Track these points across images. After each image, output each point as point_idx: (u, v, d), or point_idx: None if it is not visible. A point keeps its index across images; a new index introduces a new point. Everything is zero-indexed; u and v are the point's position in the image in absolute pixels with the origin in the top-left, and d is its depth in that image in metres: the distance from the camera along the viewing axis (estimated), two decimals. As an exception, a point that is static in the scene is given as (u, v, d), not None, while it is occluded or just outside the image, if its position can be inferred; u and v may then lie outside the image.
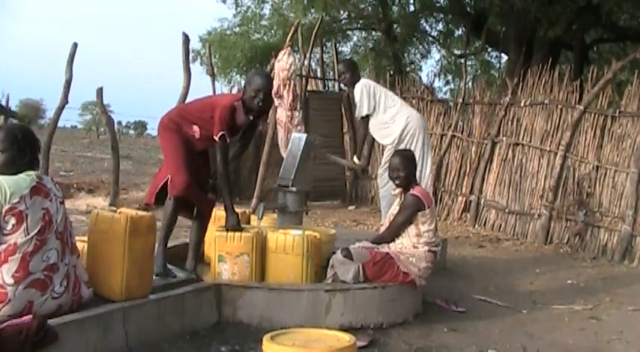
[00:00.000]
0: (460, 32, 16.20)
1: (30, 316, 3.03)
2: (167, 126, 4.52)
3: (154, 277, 3.97)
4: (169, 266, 4.33)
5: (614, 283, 6.24)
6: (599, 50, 16.32)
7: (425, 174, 6.13)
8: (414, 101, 10.02)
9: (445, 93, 17.83)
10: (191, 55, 11.15)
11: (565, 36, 12.51)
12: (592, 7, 11.40)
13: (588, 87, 8.15)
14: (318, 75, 11.27)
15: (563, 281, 6.24)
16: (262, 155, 9.35)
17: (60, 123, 11.43)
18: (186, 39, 9.36)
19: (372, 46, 17.40)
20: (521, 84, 8.99)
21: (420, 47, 17.92)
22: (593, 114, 7.97)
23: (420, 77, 14.60)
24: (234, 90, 12.02)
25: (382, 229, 4.86)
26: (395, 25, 15.71)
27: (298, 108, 7.93)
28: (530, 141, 8.62)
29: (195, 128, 4.45)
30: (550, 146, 8.34)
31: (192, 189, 4.36)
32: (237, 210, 4.58)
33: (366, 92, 6.17)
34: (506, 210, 8.68)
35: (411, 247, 4.52)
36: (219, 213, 4.72)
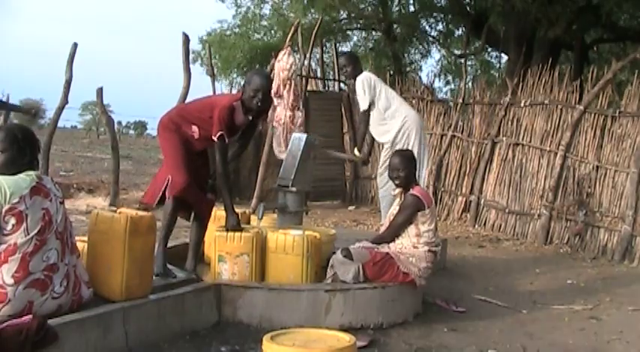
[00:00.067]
0: (460, 32, 16.20)
1: (30, 316, 3.03)
2: (166, 126, 4.52)
3: (153, 277, 3.97)
4: (169, 266, 4.34)
5: (614, 283, 6.24)
6: (599, 50, 16.31)
7: (421, 174, 6.12)
8: (414, 101, 10.01)
9: (445, 93, 17.85)
10: (191, 56, 11.16)
11: (565, 36, 12.51)
12: (592, 7, 11.40)
13: (588, 87, 8.15)
14: (318, 75, 11.27)
15: (563, 281, 6.24)
16: (262, 155, 9.35)
17: (60, 123, 11.42)
18: (186, 39, 9.36)
19: (372, 46, 17.40)
20: (521, 84, 8.99)
21: (420, 47, 17.92)
22: (593, 114, 7.96)
23: (420, 77, 14.62)
24: (235, 91, 12.01)
25: (382, 229, 4.86)
26: (395, 25, 15.71)
27: (299, 107, 7.94)
28: (530, 141, 8.62)
29: (195, 128, 4.45)
30: (550, 146, 8.34)
31: (191, 189, 4.36)
32: (237, 210, 4.58)
33: (367, 84, 6.19)
34: (506, 210, 8.68)
35: (411, 247, 4.52)
36: (219, 213, 4.72)
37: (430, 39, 17.51)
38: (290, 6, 15.37)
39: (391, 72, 12.96)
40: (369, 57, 16.03)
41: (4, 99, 11.35)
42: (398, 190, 4.76)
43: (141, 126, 70.21)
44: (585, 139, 8.00)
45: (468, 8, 14.15)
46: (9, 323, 2.98)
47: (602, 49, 16.47)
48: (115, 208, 6.86)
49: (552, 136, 8.36)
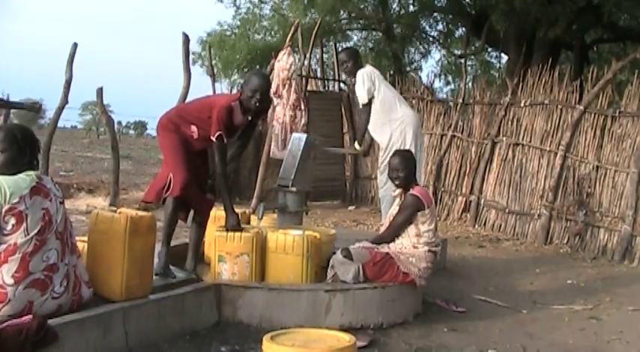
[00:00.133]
0: (460, 32, 16.19)
1: (30, 316, 3.03)
2: (165, 126, 4.53)
3: (154, 276, 3.97)
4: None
5: (614, 283, 6.24)
6: (599, 50, 16.31)
7: (418, 174, 6.10)
8: (414, 101, 10.02)
9: (446, 93, 17.84)
10: (191, 57, 11.15)
11: (565, 36, 12.51)
12: (592, 7, 11.40)
13: (588, 87, 8.15)
14: (318, 75, 11.27)
15: (563, 281, 6.24)
16: (262, 155, 9.34)
17: (60, 123, 11.43)
18: (186, 39, 9.36)
19: (372, 46, 17.40)
20: (521, 84, 8.99)
21: (420, 47, 17.92)
22: (593, 114, 7.96)
23: (420, 77, 14.62)
24: (234, 92, 12.01)
25: (382, 229, 4.86)
26: (395, 25, 15.70)
27: (301, 107, 7.92)
28: (530, 141, 8.62)
29: (194, 128, 4.45)
30: (550, 146, 8.34)
31: (191, 187, 4.36)
32: (237, 210, 4.58)
33: (367, 77, 6.17)
34: (506, 210, 8.68)
35: (411, 247, 4.52)
36: (219, 213, 4.72)
37: (430, 39, 17.51)
38: (290, 6, 15.37)
39: (391, 72, 12.96)
40: (369, 57, 16.00)
41: (5, 99, 11.34)
42: (398, 190, 4.77)
43: (141, 126, 70.21)
44: (585, 139, 8.00)
45: (468, 8, 14.14)
46: (9, 323, 2.98)
47: (602, 49, 16.47)
48: (115, 208, 6.86)
49: (552, 136, 8.36)
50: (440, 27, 16.65)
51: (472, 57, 17.55)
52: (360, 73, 6.22)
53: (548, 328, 4.63)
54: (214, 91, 10.97)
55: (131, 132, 70.83)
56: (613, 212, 7.56)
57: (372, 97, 6.17)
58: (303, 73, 9.77)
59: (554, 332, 4.55)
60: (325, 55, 11.93)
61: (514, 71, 10.62)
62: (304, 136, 5.45)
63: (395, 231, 4.59)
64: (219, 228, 4.48)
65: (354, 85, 6.37)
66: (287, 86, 7.86)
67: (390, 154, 5.29)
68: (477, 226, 8.94)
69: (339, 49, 11.84)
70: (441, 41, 17.39)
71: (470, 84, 12.57)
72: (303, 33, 10.28)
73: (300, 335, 3.28)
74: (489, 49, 17.13)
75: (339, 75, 10.45)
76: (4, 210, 3.15)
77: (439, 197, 9.53)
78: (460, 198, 9.37)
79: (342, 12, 15.01)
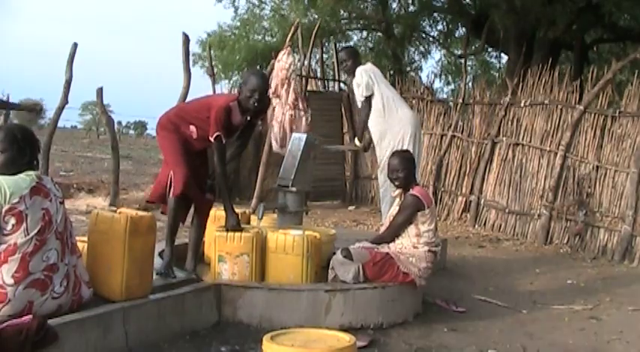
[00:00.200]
0: (460, 32, 16.20)
1: (30, 316, 3.03)
2: (165, 126, 4.53)
3: (155, 276, 3.97)
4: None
5: (614, 283, 6.24)
6: (599, 50, 16.31)
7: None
8: (414, 101, 10.02)
9: (446, 93, 17.85)
10: (191, 58, 11.14)
11: (565, 36, 12.51)
12: (592, 7, 11.40)
13: (588, 87, 8.15)
14: (318, 75, 11.27)
15: (563, 281, 6.24)
16: (262, 155, 9.34)
17: (60, 123, 11.40)
18: (186, 39, 9.36)
19: (372, 46, 17.40)
20: (521, 84, 8.99)
21: (420, 47, 17.92)
22: (593, 114, 7.97)
23: (420, 77, 14.62)
24: (234, 92, 11.99)
25: (382, 229, 4.86)
26: (395, 25, 15.70)
27: (301, 107, 7.90)
28: (530, 141, 8.62)
29: (193, 128, 4.45)
30: (550, 146, 8.34)
31: (192, 186, 4.36)
32: (237, 210, 4.58)
33: (366, 74, 6.17)
34: (506, 210, 8.68)
35: (411, 247, 4.52)
36: (218, 213, 4.72)
37: (430, 39, 17.51)
38: (290, 6, 15.37)
39: (391, 72, 12.96)
40: (369, 57, 15.99)
41: (5, 99, 11.34)
42: (398, 191, 4.77)
43: (141, 126, 70.19)
44: (585, 139, 8.00)
45: (468, 8, 14.14)
46: (9, 323, 2.98)
47: (602, 49, 16.47)
48: (115, 208, 6.86)
49: (552, 136, 8.36)
50: (440, 27, 16.68)
51: (472, 57, 17.56)
52: (359, 69, 6.22)
53: (548, 328, 4.63)
54: (214, 92, 10.97)
55: (131, 132, 70.82)
56: (613, 212, 7.56)
57: (372, 93, 6.16)
58: (303, 73, 9.77)
59: (554, 332, 4.55)
60: (325, 55, 11.93)
61: (514, 71, 10.61)
62: (304, 136, 5.45)
63: (395, 231, 4.59)
64: (219, 228, 4.48)
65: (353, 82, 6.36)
66: (285, 86, 7.86)
67: (388, 154, 5.29)
68: (477, 226, 8.94)
69: (339, 48, 11.83)
70: (441, 41, 17.39)
71: (470, 84, 12.58)
72: (303, 33, 10.28)
73: (300, 335, 3.28)
74: (489, 49, 17.14)
75: (339, 75, 10.45)
76: (4, 210, 3.15)
77: (439, 197, 9.54)
78: (460, 198, 9.37)
79: (342, 12, 15.01)
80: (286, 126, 7.78)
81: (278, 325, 3.92)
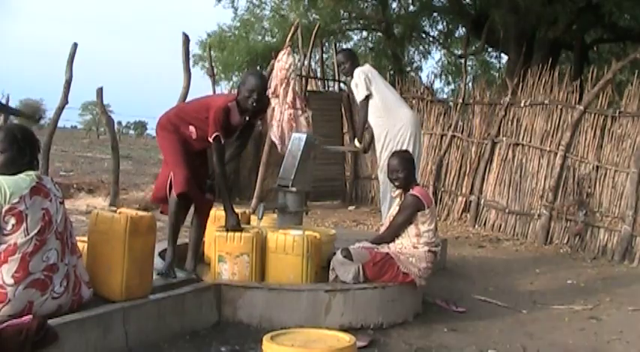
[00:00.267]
0: (460, 32, 16.19)
1: (30, 316, 3.03)
2: (165, 126, 4.53)
3: (155, 275, 3.97)
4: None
5: (614, 283, 6.24)
6: (599, 50, 16.31)
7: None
8: (414, 101, 10.03)
9: (446, 93, 17.84)
10: (192, 59, 11.15)
11: (565, 36, 12.50)
12: (592, 7, 11.39)
13: (588, 87, 8.15)
14: (318, 75, 11.27)
15: (563, 281, 6.24)
16: (262, 155, 9.34)
17: (60, 123, 11.41)
18: (186, 39, 9.36)
19: (372, 46, 17.40)
20: (521, 84, 8.99)
21: (420, 47, 17.92)
22: (593, 114, 7.97)
23: (420, 77, 14.61)
24: (234, 92, 11.98)
25: (382, 229, 4.86)
26: (395, 25, 15.70)
27: (299, 106, 7.90)
28: (530, 141, 8.62)
29: (192, 128, 4.45)
30: (550, 146, 8.35)
31: (192, 185, 4.36)
32: (237, 210, 4.58)
33: (363, 75, 6.16)
34: (506, 210, 8.68)
35: (411, 247, 4.52)
36: (219, 213, 4.72)
37: (430, 39, 17.51)
38: (290, 7, 15.37)
39: (391, 72, 12.97)
40: (369, 57, 16.00)
41: (4, 102, 11.33)
42: (398, 191, 4.77)
43: (141, 126, 70.20)
44: (585, 139, 8.00)
45: (468, 8, 14.13)
46: (9, 323, 2.98)
47: (602, 49, 16.47)
48: (115, 208, 6.86)
49: (552, 136, 8.36)
50: (440, 27, 16.67)
51: (472, 57, 17.54)
52: (357, 71, 6.21)
53: (548, 328, 4.63)
54: (214, 91, 10.97)
55: (131, 132, 70.83)
56: (613, 212, 7.56)
57: (370, 94, 6.16)
58: (303, 73, 9.77)
59: (554, 332, 4.55)
60: (325, 55, 11.93)
61: (514, 71, 10.61)
62: (304, 136, 5.45)
63: (395, 231, 4.59)
64: (219, 228, 4.48)
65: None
66: (285, 85, 7.85)
67: (388, 154, 5.29)
68: (477, 226, 8.94)
69: (339, 49, 11.84)
70: (441, 41, 17.39)
71: (470, 84, 12.58)
72: (303, 33, 10.28)
73: (300, 335, 3.28)
74: (489, 49, 17.13)
75: (339, 75, 10.46)
76: (4, 210, 3.15)
77: (439, 197, 9.54)
78: (460, 198, 9.37)
79: (342, 12, 15.01)
80: (284, 126, 7.78)
81: (278, 325, 3.92)
